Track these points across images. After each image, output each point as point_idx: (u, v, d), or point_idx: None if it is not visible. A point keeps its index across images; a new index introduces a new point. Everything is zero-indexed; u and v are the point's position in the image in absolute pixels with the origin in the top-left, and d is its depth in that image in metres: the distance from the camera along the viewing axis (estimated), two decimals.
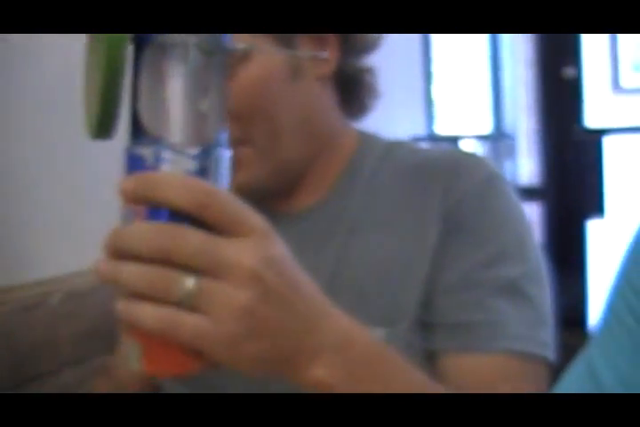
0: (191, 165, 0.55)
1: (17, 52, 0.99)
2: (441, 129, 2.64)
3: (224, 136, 0.58)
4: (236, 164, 0.80)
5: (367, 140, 0.90)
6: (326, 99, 0.87)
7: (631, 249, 0.65)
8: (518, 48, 3.08)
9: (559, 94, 2.98)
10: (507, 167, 3.00)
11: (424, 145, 2.49)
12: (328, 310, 0.60)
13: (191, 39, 0.55)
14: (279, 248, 0.57)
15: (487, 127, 3.04)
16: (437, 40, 2.62)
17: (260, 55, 0.79)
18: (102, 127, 0.56)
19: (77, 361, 1.00)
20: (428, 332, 0.80)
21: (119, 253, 0.54)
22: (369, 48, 0.88)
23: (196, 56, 0.56)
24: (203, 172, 0.56)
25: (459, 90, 2.88)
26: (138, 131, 0.56)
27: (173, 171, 0.55)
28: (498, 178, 0.84)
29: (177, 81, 0.55)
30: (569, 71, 2.94)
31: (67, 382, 1.01)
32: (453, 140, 2.72)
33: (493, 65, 3.05)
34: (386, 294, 0.80)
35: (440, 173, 0.83)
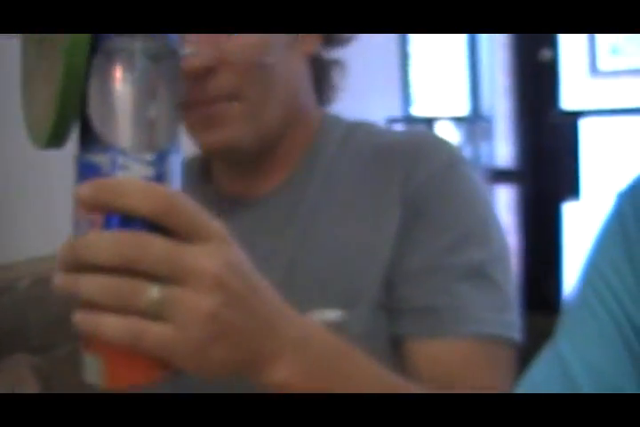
0: (148, 171, 0.54)
1: None
2: (417, 111, 2.63)
3: (177, 141, 0.57)
4: (220, 120, 0.80)
5: (329, 121, 0.89)
6: (307, 77, 0.87)
7: (606, 227, 0.64)
8: None
9: (536, 77, 2.98)
10: (483, 149, 3.00)
11: (400, 127, 2.49)
12: (285, 311, 0.61)
13: (137, 45, 0.55)
14: (238, 253, 0.57)
15: (464, 109, 3.03)
16: None
17: None
18: (57, 136, 0.55)
19: (48, 347, 0.99)
20: (393, 317, 0.80)
21: (77, 264, 0.53)
22: (345, 41, 0.89)
23: (143, 62, 0.55)
24: (160, 177, 0.55)
25: (436, 71, 2.87)
26: (89, 138, 0.55)
27: (130, 177, 0.54)
28: (460, 161, 0.83)
29: (126, 87, 0.55)
30: (546, 53, 2.93)
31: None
32: (429, 121, 2.71)
33: (471, 47, 3.04)
34: (344, 277, 0.80)
35: (401, 156, 0.83)
